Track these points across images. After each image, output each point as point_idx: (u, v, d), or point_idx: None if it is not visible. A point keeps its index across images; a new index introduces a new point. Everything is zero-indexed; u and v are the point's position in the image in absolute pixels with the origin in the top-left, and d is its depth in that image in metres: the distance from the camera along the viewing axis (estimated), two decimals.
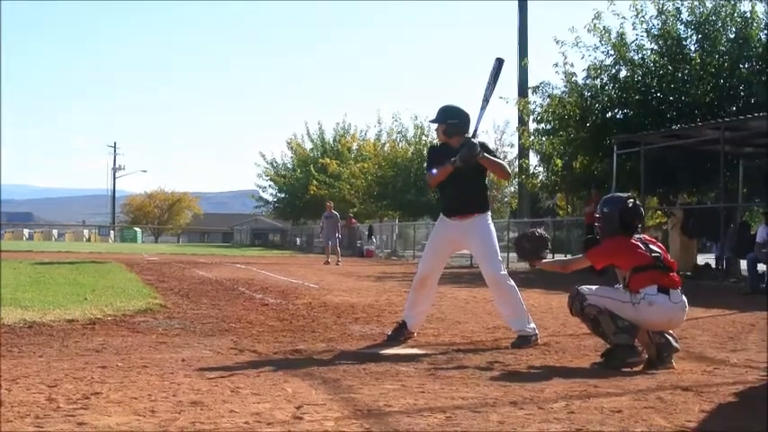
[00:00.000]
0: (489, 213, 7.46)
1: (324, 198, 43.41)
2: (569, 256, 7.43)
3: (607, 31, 21.41)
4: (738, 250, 16.74)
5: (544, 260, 6.87)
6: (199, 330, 7.74)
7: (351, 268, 23.90)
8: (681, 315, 5.94)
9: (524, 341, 6.92)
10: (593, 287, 6.03)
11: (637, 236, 6.17)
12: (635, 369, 5.70)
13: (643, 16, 21.05)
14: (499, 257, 7.32)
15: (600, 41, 21.59)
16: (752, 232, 16.79)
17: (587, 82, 22.13)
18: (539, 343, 6.97)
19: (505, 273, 7.23)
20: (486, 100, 7.24)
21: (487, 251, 7.22)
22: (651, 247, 6.05)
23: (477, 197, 7.35)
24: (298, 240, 63.08)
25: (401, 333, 7.32)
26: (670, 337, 5.84)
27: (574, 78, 22.28)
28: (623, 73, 21.52)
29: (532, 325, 7.11)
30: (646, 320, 5.79)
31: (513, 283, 7.19)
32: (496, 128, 42.22)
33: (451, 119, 7.33)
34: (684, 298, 5.93)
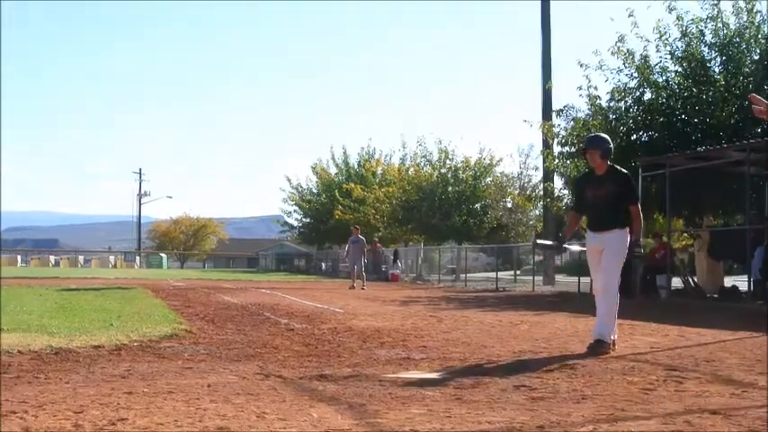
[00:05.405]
0: (627, 230, 8.30)
1: (349, 223, 43.48)
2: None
3: (631, 53, 21.36)
4: (766, 272, 16.59)
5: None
6: (224, 356, 7.75)
7: (376, 293, 23.86)
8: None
9: (599, 346, 7.87)
10: None
11: None
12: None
13: (666, 39, 20.99)
14: (617, 272, 8.22)
15: (624, 64, 21.56)
16: None
17: (611, 105, 22.05)
18: (610, 353, 7.83)
19: (616, 288, 8.16)
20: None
21: (609, 263, 8.18)
22: None
23: (614, 216, 8.25)
24: (323, 265, 63.12)
25: (599, 347, 7.99)
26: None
27: (598, 101, 22.23)
28: (647, 95, 21.43)
29: (614, 338, 8.14)
30: None
31: (617, 299, 8.18)
32: (521, 151, 42.20)
33: (606, 143, 8.34)
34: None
